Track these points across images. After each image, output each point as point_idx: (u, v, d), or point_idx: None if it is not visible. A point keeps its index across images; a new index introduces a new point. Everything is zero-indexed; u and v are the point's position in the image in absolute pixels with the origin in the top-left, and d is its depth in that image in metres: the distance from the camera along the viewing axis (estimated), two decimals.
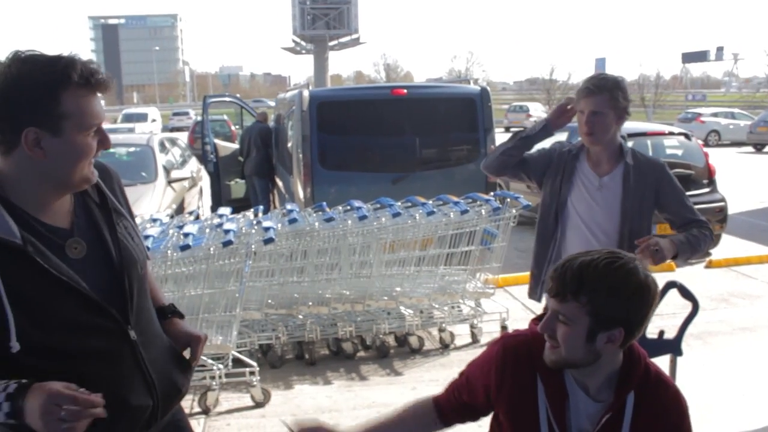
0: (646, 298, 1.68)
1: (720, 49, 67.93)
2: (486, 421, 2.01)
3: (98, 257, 1.65)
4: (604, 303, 1.65)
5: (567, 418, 1.79)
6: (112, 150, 9.58)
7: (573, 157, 3.06)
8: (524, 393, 1.82)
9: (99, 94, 1.59)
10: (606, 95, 2.87)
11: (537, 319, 1.94)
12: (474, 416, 1.99)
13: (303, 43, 52.97)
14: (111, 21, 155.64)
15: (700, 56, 67.74)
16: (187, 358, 1.90)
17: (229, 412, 4.37)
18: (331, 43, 51.51)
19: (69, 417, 1.39)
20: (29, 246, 1.51)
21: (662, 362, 2.99)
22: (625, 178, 2.98)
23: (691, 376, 4.58)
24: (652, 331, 2.98)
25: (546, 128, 3.12)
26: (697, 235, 2.94)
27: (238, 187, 10.69)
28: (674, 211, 3.03)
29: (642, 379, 1.78)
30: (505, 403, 1.86)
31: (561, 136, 9.09)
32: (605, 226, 2.98)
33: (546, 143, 3.26)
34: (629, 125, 10.08)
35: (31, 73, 1.49)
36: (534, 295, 3.28)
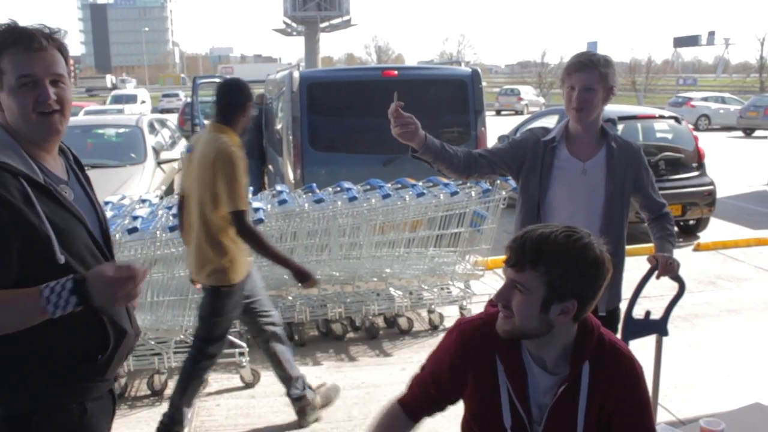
0: (600, 272, 1.73)
1: (711, 34, 68.01)
2: (453, 412, 2.03)
3: (88, 207, 1.93)
4: (561, 274, 1.69)
5: (527, 394, 1.83)
6: (101, 131, 9.58)
7: (551, 150, 2.98)
8: (485, 374, 1.86)
9: (42, 53, 1.76)
10: (597, 72, 2.84)
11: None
12: (441, 407, 2.01)
13: (294, 24, 52.64)
14: (100, 1, 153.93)
15: (692, 41, 67.83)
16: None
17: (219, 392, 4.39)
18: (322, 25, 51.20)
19: (131, 290, 1.69)
20: (48, 183, 1.77)
21: (648, 343, 3.03)
22: (608, 161, 2.96)
23: (678, 357, 4.64)
24: (638, 312, 3.02)
25: (415, 151, 2.87)
26: (671, 231, 3.06)
27: None
28: (647, 194, 3.07)
29: (596, 348, 1.82)
30: (469, 387, 1.89)
31: (553, 119, 9.11)
32: (590, 211, 2.94)
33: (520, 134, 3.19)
34: (620, 108, 10.12)
35: None
36: None
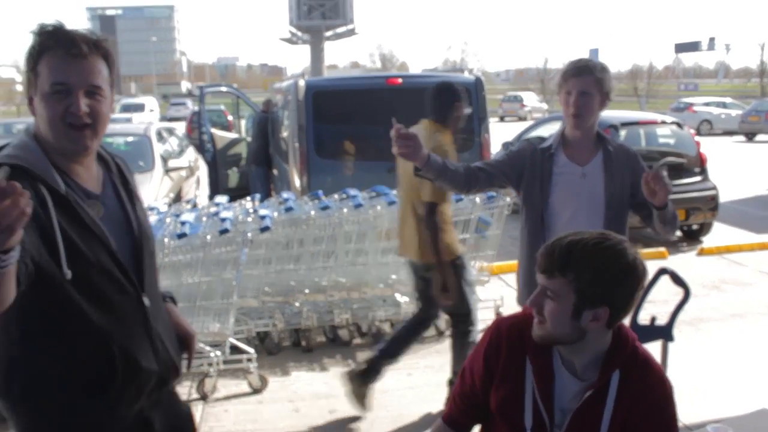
0: (632, 279, 1.72)
1: (712, 40, 67.97)
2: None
3: (120, 224, 1.79)
4: (590, 280, 1.69)
5: (552, 397, 1.83)
6: (109, 140, 9.67)
7: (549, 157, 3.00)
8: (513, 372, 1.86)
9: (81, 60, 1.65)
10: (594, 77, 2.87)
11: None
12: (486, 414, 2.00)
13: (299, 33, 52.81)
14: (109, 12, 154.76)
15: (693, 46, 67.78)
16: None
17: (227, 398, 4.42)
18: (327, 34, 51.37)
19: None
20: (70, 195, 1.66)
21: (654, 348, 3.05)
22: (606, 165, 2.98)
23: (683, 362, 4.65)
24: (644, 318, 3.04)
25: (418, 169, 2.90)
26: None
27: (236, 175, 10.73)
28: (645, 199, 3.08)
29: (628, 359, 1.81)
30: (494, 386, 1.90)
31: (556, 125, 9.13)
32: (591, 215, 2.96)
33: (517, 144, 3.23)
34: (623, 114, 10.14)
35: (32, 39, 1.68)
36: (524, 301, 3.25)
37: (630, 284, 1.72)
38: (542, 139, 3.14)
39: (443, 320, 5.48)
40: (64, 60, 1.63)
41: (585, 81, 2.87)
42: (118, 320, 1.73)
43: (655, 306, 3.21)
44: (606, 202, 2.97)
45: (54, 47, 1.63)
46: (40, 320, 1.67)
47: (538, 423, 1.83)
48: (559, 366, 1.83)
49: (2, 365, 1.69)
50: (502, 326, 1.92)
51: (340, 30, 51.55)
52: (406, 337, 4.23)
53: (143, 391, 1.79)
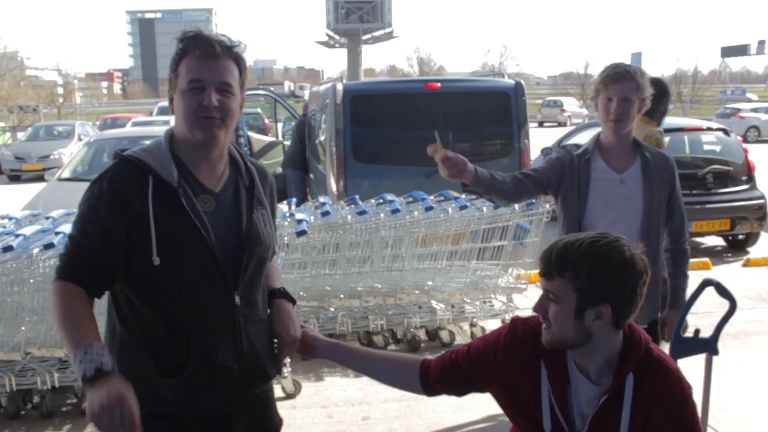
0: (630, 274, 1.72)
1: (761, 43, 66.21)
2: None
3: (229, 223, 1.89)
4: (587, 278, 1.70)
5: (569, 402, 1.83)
6: (148, 141, 9.82)
7: (585, 162, 2.97)
8: (527, 376, 1.86)
9: (213, 60, 1.82)
10: (634, 82, 2.84)
11: None
12: (460, 388, 2.00)
13: (336, 37, 53.05)
14: (148, 15, 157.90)
15: (740, 50, 66.16)
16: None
17: None
18: (365, 37, 51.51)
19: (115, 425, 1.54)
20: (180, 189, 1.81)
21: (697, 362, 2.96)
22: (644, 172, 2.95)
23: (728, 377, 4.51)
24: (688, 331, 2.95)
25: (466, 185, 2.91)
26: (685, 273, 3.09)
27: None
28: (673, 207, 3.03)
29: (642, 362, 1.79)
30: (505, 386, 1.89)
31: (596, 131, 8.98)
32: (629, 222, 2.93)
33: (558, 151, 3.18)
34: (666, 120, 9.89)
35: (176, 44, 1.89)
36: None
37: (629, 280, 1.72)
38: (577, 146, 3.09)
39: (478, 328, 5.43)
40: (200, 60, 1.82)
41: (626, 87, 2.84)
42: (202, 312, 1.81)
43: (699, 318, 3.12)
44: (644, 209, 2.94)
45: (192, 49, 1.83)
46: (128, 300, 1.82)
47: (557, 428, 1.83)
48: (574, 370, 1.83)
49: (106, 336, 1.87)
50: (518, 328, 1.92)
51: (377, 33, 51.65)
52: None
53: (220, 386, 1.84)
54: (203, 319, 1.81)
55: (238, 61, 1.88)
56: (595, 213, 2.96)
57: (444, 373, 1.99)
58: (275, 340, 2.00)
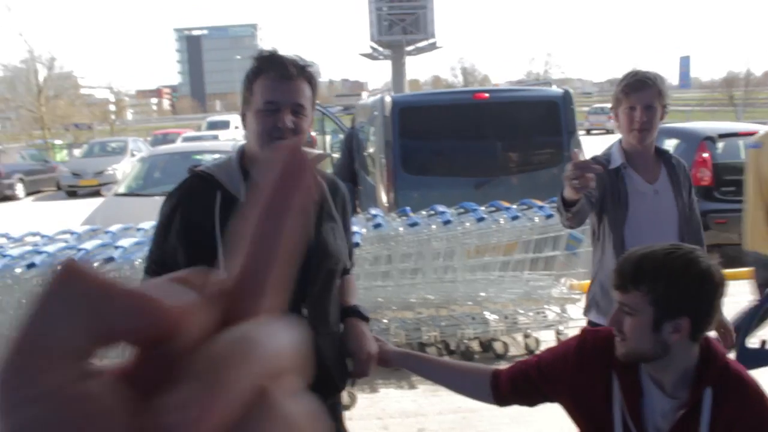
0: (708, 286, 1.69)
1: None
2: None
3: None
4: (663, 291, 1.68)
5: (642, 415, 1.79)
6: (199, 156, 10.03)
7: (621, 177, 2.91)
8: (598, 389, 1.83)
9: (288, 81, 1.87)
10: (657, 89, 2.81)
11: None
12: (531, 399, 1.98)
13: (380, 48, 53.33)
14: (195, 32, 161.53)
15: None
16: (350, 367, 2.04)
17: None
18: (408, 48, 51.62)
19: None
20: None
21: (764, 375, 2.89)
22: (672, 179, 2.93)
23: None
24: (753, 342, 2.89)
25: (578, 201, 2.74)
26: None
27: None
28: (696, 216, 3.00)
29: (720, 376, 1.76)
30: (576, 397, 1.87)
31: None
32: (667, 232, 2.90)
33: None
34: (719, 125, 9.69)
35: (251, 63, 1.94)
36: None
37: (707, 292, 1.70)
38: (608, 158, 3.00)
39: (532, 339, 5.39)
40: (275, 81, 1.86)
41: (649, 95, 2.81)
42: None
43: (766, 330, 3.04)
44: (679, 216, 2.94)
45: (267, 70, 1.87)
46: None
47: None
48: (648, 383, 1.80)
49: None
50: (588, 339, 1.90)
51: (421, 44, 51.75)
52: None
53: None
54: None
55: (311, 80, 1.92)
56: (637, 227, 2.92)
57: (514, 384, 1.98)
58: (348, 358, 2.02)
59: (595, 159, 3.08)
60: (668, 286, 1.68)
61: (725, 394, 1.74)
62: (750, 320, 2.90)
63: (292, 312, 1.85)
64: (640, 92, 2.81)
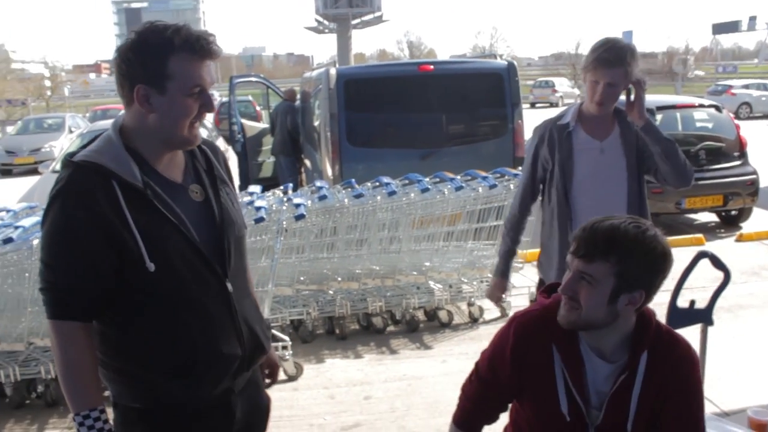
0: (668, 263, 1.77)
1: (753, 19, 66.01)
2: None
3: (201, 212, 1.83)
4: (633, 265, 1.72)
5: (585, 383, 1.85)
6: None
7: (568, 135, 3.00)
8: (541, 366, 1.87)
9: (208, 61, 1.74)
10: (623, 69, 2.83)
11: (545, 292, 2.00)
12: (502, 407, 2.06)
13: (326, 22, 52.68)
14: (134, 5, 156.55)
15: (732, 27, 65.99)
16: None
17: None
18: (354, 22, 51.14)
19: None
20: (148, 189, 1.71)
21: (693, 332, 3.01)
22: (623, 137, 2.98)
23: (722, 348, 4.58)
24: (682, 302, 3.00)
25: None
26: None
27: (266, 165, 10.79)
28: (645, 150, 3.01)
29: (655, 337, 1.84)
30: (525, 380, 1.91)
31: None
32: (615, 190, 2.98)
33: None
34: (658, 98, 9.96)
35: (146, 38, 1.70)
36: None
37: (666, 268, 1.77)
38: (560, 115, 3.10)
39: (476, 307, 5.49)
40: (199, 63, 1.72)
41: (614, 73, 2.83)
42: (201, 308, 1.77)
43: (694, 292, 3.16)
44: (628, 175, 2.98)
45: (187, 49, 1.69)
46: (126, 308, 1.74)
47: (574, 408, 1.85)
48: (587, 352, 1.85)
49: (104, 342, 1.78)
50: (522, 322, 1.93)
51: (367, 18, 51.32)
52: None
53: (226, 374, 1.83)
54: (203, 315, 1.77)
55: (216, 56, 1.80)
56: (582, 185, 2.99)
57: (480, 413, 2.07)
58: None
59: (546, 120, 3.15)
60: (638, 261, 1.72)
61: (658, 353, 1.82)
62: (680, 282, 2.99)
63: (220, 291, 1.80)
64: (605, 69, 2.83)
